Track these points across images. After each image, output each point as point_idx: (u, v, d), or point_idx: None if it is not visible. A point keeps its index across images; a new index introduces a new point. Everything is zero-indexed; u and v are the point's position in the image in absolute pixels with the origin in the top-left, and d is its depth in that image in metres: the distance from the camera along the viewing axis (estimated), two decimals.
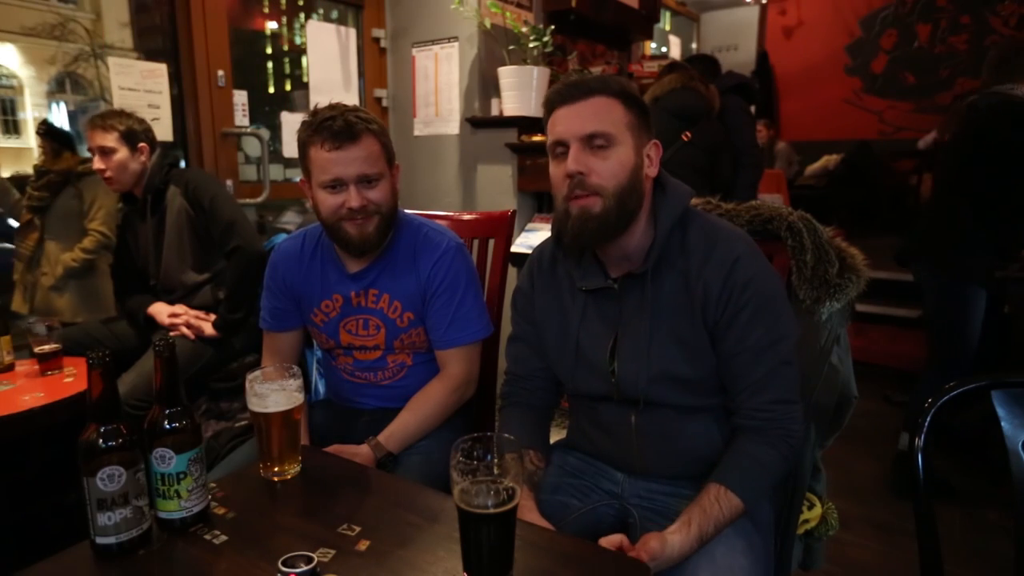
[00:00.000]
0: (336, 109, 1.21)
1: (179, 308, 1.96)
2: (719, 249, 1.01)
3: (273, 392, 1.01)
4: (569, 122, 1.00)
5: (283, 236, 2.13)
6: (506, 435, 0.76)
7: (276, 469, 1.01)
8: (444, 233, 1.36)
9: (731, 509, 0.96)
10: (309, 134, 1.20)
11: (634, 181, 1.00)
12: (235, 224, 1.91)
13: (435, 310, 1.31)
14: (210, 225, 1.94)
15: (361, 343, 1.35)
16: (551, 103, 1.03)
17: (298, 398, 1.02)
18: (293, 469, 1.02)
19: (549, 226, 2.98)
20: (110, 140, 1.88)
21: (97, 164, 1.90)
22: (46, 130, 2.36)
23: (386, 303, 1.32)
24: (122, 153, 1.90)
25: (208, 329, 1.91)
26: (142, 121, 1.97)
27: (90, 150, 1.91)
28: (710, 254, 1.01)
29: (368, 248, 1.27)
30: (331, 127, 1.18)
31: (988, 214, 2.24)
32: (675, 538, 0.92)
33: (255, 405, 1.00)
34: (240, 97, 2.61)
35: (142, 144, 1.93)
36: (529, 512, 1.01)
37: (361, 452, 1.22)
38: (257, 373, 1.03)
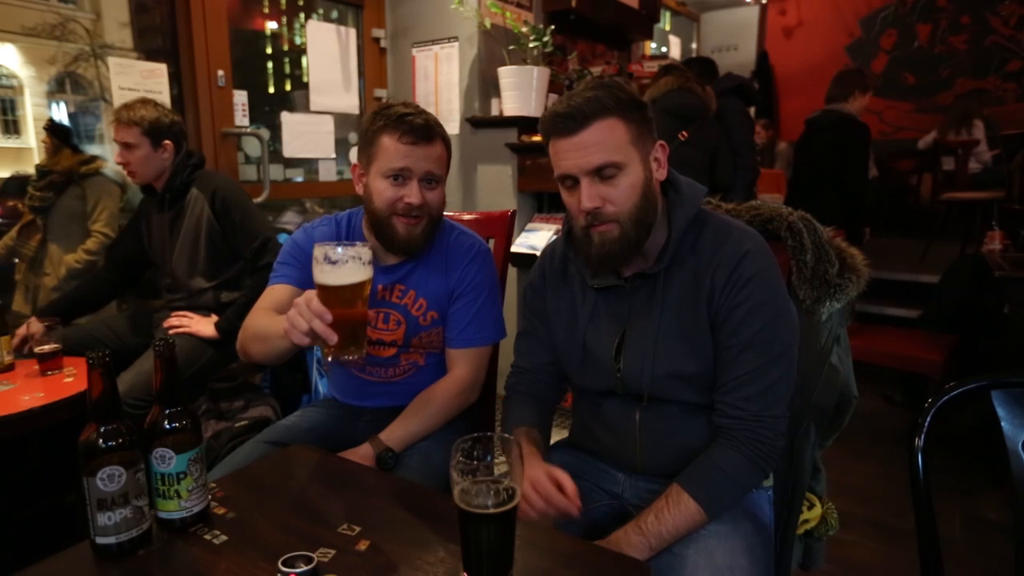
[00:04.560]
0: (413, 107, 1.24)
1: (174, 320, 1.95)
2: (729, 245, 1.02)
3: (351, 259, 0.91)
4: (574, 157, 0.98)
5: (284, 236, 2.13)
6: (507, 435, 0.76)
7: (343, 348, 0.93)
8: (473, 236, 1.39)
9: (687, 513, 0.96)
10: (384, 123, 1.21)
11: (647, 196, 1.01)
12: (270, 241, 1.93)
13: (456, 309, 1.33)
14: (239, 239, 1.94)
15: (378, 337, 1.35)
16: (547, 132, 1.02)
17: (370, 271, 0.94)
18: (359, 353, 0.95)
19: (549, 226, 2.98)
20: (132, 136, 1.87)
21: (118, 158, 1.91)
22: (50, 125, 2.37)
23: (411, 300, 1.33)
24: (144, 149, 1.89)
25: (208, 330, 1.91)
26: (170, 114, 1.94)
27: (116, 142, 1.91)
28: (720, 250, 1.02)
29: (412, 250, 1.29)
30: (412, 122, 1.20)
31: None
32: (628, 538, 0.96)
33: (326, 274, 0.91)
34: (240, 97, 2.61)
35: (167, 141, 1.91)
36: (534, 465, 1.01)
37: (360, 451, 1.23)
38: (325, 243, 0.93)
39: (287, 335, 0.94)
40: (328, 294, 0.92)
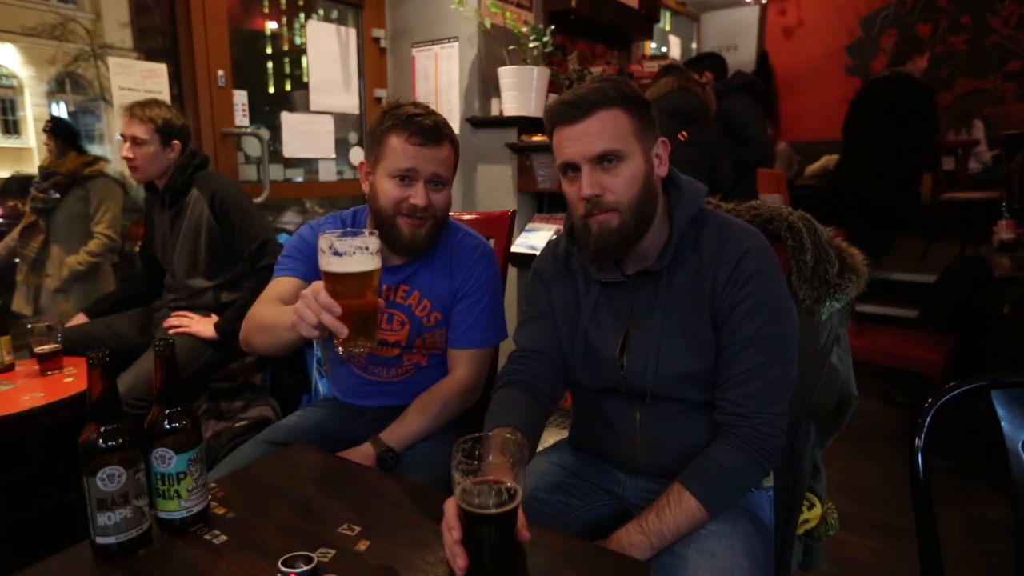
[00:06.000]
0: (423, 108, 1.24)
1: (174, 320, 1.96)
2: (730, 243, 1.02)
3: (357, 250, 0.89)
4: (577, 144, 0.99)
5: (284, 236, 2.13)
6: (509, 436, 0.76)
7: (353, 340, 0.91)
8: (478, 237, 1.40)
9: (688, 511, 0.96)
10: (392, 123, 1.21)
11: (648, 188, 1.01)
12: (269, 243, 1.95)
13: (459, 310, 1.33)
14: (238, 242, 1.95)
15: (382, 337, 1.34)
16: (552, 121, 1.03)
17: (379, 260, 0.92)
18: (370, 343, 0.93)
19: (549, 226, 2.98)
20: (144, 131, 1.89)
21: (126, 152, 1.92)
22: (52, 127, 2.36)
23: (415, 300, 1.33)
24: (153, 147, 1.91)
25: (208, 331, 1.91)
26: (182, 116, 1.98)
27: (122, 135, 1.92)
28: (721, 248, 1.02)
29: (416, 251, 1.29)
30: (421, 123, 1.20)
31: None
32: (630, 537, 0.95)
33: (333, 265, 0.88)
34: (240, 97, 2.61)
35: (175, 141, 1.94)
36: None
37: (361, 451, 1.23)
38: (330, 232, 0.91)
39: (295, 328, 0.93)
40: (336, 285, 0.90)
